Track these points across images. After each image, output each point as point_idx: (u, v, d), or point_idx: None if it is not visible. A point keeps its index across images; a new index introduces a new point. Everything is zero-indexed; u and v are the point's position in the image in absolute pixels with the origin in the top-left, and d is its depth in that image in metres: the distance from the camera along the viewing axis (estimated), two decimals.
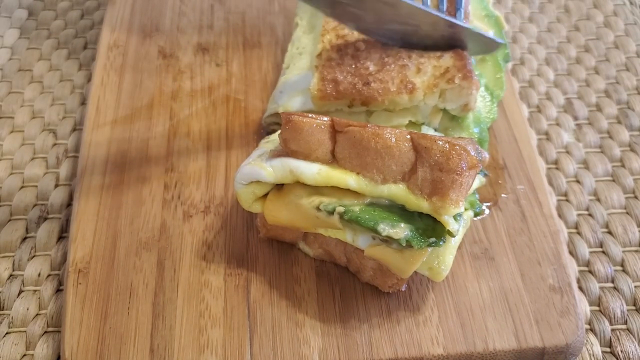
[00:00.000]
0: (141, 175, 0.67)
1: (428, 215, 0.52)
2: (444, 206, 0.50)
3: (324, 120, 0.53)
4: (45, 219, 0.68)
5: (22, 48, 0.85)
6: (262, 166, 0.55)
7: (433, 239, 0.51)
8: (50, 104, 0.79)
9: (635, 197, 0.69)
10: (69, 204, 0.69)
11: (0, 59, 0.84)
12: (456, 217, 0.52)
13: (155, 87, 0.76)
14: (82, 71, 0.83)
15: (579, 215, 0.68)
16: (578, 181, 0.71)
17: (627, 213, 0.68)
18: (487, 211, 0.64)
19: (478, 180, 0.59)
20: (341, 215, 0.52)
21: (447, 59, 0.64)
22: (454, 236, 0.52)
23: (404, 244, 0.50)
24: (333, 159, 0.54)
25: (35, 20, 0.89)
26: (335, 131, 0.53)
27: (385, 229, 0.50)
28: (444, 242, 0.51)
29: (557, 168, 0.72)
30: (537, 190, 0.66)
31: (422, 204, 0.51)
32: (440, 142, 0.50)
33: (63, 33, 0.88)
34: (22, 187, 0.71)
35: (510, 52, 0.84)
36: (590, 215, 0.68)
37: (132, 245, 0.62)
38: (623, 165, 0.72)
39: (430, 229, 0.52)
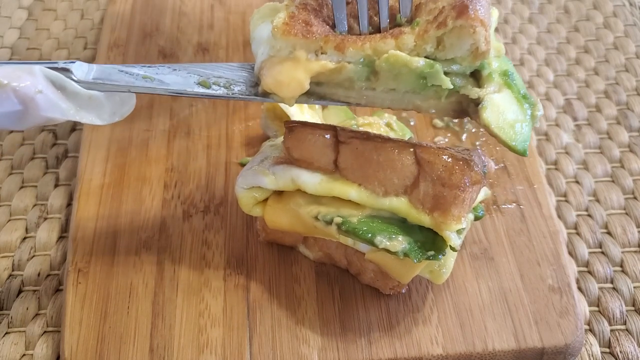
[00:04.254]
0: (141, 175, 0.67)
1: (429, 228, 0.52)
2: (445, 222, 0.50)
3: (328, 130, 0.53)
4: (45, 219, 0.68)
5: (22, 48, 0.85)
6: (264, 173, 0.55)
7: (432, 253, 0.50)
8: None
9: (635, 198, 0.70)
10: (68, 204, 0.69)
11: (0, 58, 0.84)
12: (459, 231, 0.52)
13: None
14: None
15: (578, 215, 0.68)
16: (577, 182, 0.71)
17: (627, 214, 0.68)
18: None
19: (483, 192, 0.59)
20: (339, 226, 0.52)
21: None
22: (456, 251, 0.52)
23: (402, 257, 0.50)
24: (335, 169, 0.54)
25: (35, 21, 0.89)
26: (338, 141, 0.53)
27: (382, 241, 0.50)
28: (444, 255, 0.50)
29: (556, 169, 0.72)
30: (537, 191, 0.66)
31: (424, 219, 0.51)
32: (444, 157, 0.50)
33: (63, 33, 0.88)
34: (21, 187, 0.71)
35: (510, 54, 0.85)
36: (589, 215, 0.68)
37: (131, 244, 0.62)
38: (622, 166, 0.72)
39: (430, 241, 0.51)
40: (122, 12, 0.84)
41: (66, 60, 0.51)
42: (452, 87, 0.49)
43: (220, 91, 0.52)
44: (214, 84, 0.52)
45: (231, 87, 0.52)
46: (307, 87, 0.50)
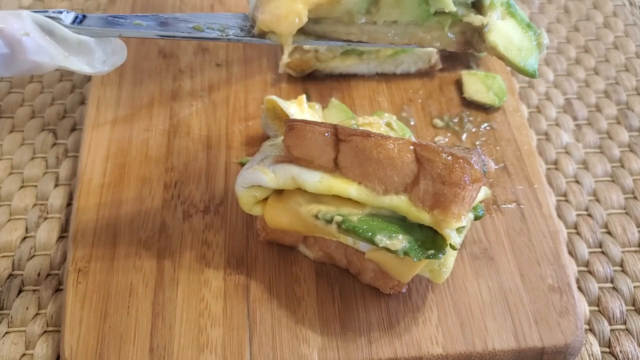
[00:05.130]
0: (141, 175, 0.67)
1: (429, 226, 0.52)
2: (445, 219, 0.50)
3: (328, 128, 0.53)
4: (45, 218, 0.68)
5: None
6: (264, 171, 0.55)
7: (432, 251, 0.50)
8: (49, 104, 0.79)
9: (635, 198, 0.70)
10: (68, 204, 0.69)
11: None
12: (459, 229, 0.52)
13: (155, 86, 0.76)
14: None
15: (578, 215, 0.68)
16: (577, 181, 0.71)
17: (627, 213, 0.68)
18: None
19: (483, 192, 0.59)
20: (339, 225, 0.52)
21: None
22: (455, 249, 0.52)
23: (402, 255, 0.50)
24: (336, 167, 0.54)
25: None
26: (338, 140, 0.53)
27: (382, 240, 0.50)
28: (444, 254, 0.51)
29: (556, 168, 0.72)
30: (537, 191, 0.66)
31: (424, 217, 0.51)
32: (444, 155, 0.50)
33: None
34: (21, 187, 0.71)
35: None
36: (589, 215, 0.68)
37: (131, 244, 0.62)
38: (622, 166, 0.72)
39: (430, 240, 0.51)
40: (122, 11, 0.84)
41: (54, 9, 0.50)
42: (455, 9, 0.48)
43: (214, 34, 0.51)
44: (207, 28, 0.51)
45: (225, 30, 0.51)
46: (305, 19, 0.48)
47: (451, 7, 0.48)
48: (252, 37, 0.51)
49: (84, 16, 0.50)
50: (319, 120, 0.66)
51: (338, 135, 0.53)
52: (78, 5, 0.91)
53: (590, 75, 0.82)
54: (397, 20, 0.50)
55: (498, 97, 0.72)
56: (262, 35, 0.50)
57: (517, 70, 0.49)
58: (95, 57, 0.50)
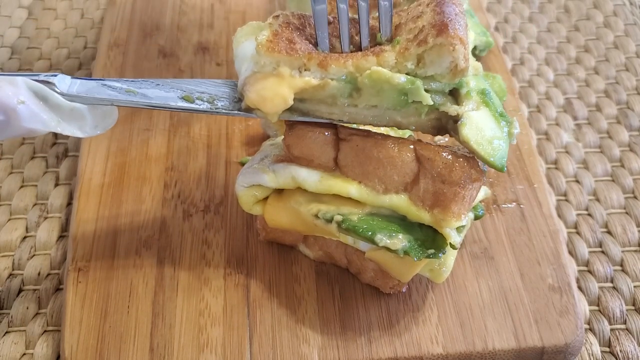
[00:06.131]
0: (141, 174, 0.67)
1: (429, 226, 0.52)
2: (445, 219, 0.50)
3: (328, 127, 0.53)
4: (45, 218, 0.68)
5: (22, 47, 0.85)
6: (264, 170, 0.55)
7: (432, 251, 0.50)
8: None
9: (635, 197, 0.70)
10: (68, 203, 0.69)
11: (0, 58, 0.84)
12: (459, 229, 0.52)
13: None
14: (82, 70, 0.83)
15: (578, 215, 0.68)
16: (577, 181, 0.71)
17: (627, 213, 0.68)
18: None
19: (483, 191, 0.59)
20: (339, 224, 0.52)
21: (426, 17, 0.52)
22: (455, 249, 0.52)
23: (402, 255, 0.50)
24: (336, 166, 0.54)
25: (35, 20, 0.89)
26: (338, 139, 0.53)
27: (382, 239, 0.50)
28: (444, 253, 0.51)
29: (556, 168, 0.72)
30: (537, 190, 0.66)
31: (424, 216, 0.51)
32: (444, 154, 0.50)
33: (63, 32, 0.88)
34: (21, 186, 0.71)
35: (510, 53, 0.85)
36: (589, 215, 0.68)
37: (132, 244, 0.62)
38: (622, 166, 0.72)
39: (430, 239, 0.51)
40: (122, 11, 0.84)
41: (47, 73, 0.50)
42: (432, 103, 0.50)
43: (204, 106, 0.52)
44: (197, 98, 0.53)
45: (215, 102, 0.53)
46: (290, 102, 0.50)
47: (428, 101, 0.50)
48: (239, 110, 0.52)
49: (77, 80, 0.51)
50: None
51: (338, 135, 0.53)
52: (78, 5, 0.91)
53: (590, 74, 0.82)
54: (377, 105, 0.52)
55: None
56: (249, 110, 0.52)
57: (487, 163, 0.51)
58: (87, 123, 0.51)
